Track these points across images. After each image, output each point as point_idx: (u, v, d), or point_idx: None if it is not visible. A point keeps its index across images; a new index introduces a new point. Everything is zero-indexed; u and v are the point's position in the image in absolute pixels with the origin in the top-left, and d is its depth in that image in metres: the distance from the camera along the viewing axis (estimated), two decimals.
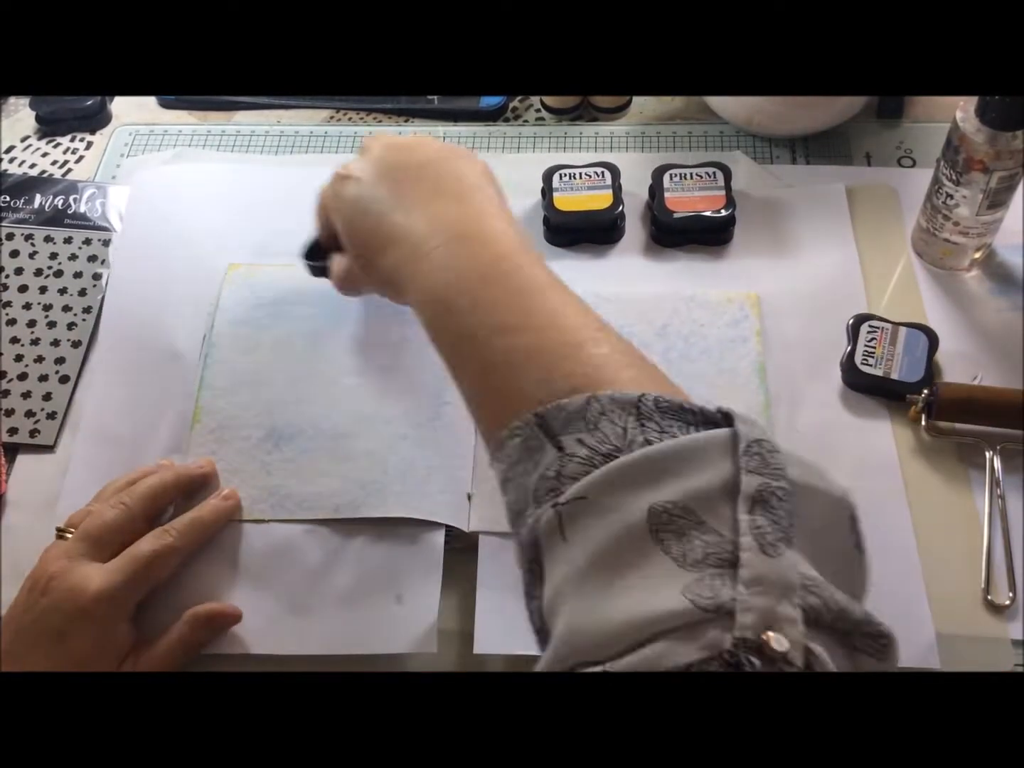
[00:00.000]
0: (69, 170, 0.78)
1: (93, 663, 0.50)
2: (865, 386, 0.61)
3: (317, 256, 0.60)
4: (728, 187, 0.69)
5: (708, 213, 0.68)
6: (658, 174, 0.70)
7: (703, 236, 0.69)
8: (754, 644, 0.30)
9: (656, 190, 0.70)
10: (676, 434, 0.36)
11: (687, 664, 0.30)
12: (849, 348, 0.62)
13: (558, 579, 0.36)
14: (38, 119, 0.81)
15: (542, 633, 0.38)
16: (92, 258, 0.71)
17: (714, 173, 0.70)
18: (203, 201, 0.73)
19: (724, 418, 0.37)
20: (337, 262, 0.58)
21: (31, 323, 0.68)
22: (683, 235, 0.69)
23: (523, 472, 0.39)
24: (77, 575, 0.50)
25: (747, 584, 0.31)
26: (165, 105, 0.82)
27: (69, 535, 0.53)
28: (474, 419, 0.45)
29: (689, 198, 0.69)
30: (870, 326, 0.63)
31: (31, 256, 0.71)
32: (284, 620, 0.54)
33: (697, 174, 0.70)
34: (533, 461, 0.38)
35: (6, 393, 0.64)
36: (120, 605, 0.51)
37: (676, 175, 0.70)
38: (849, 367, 0.61)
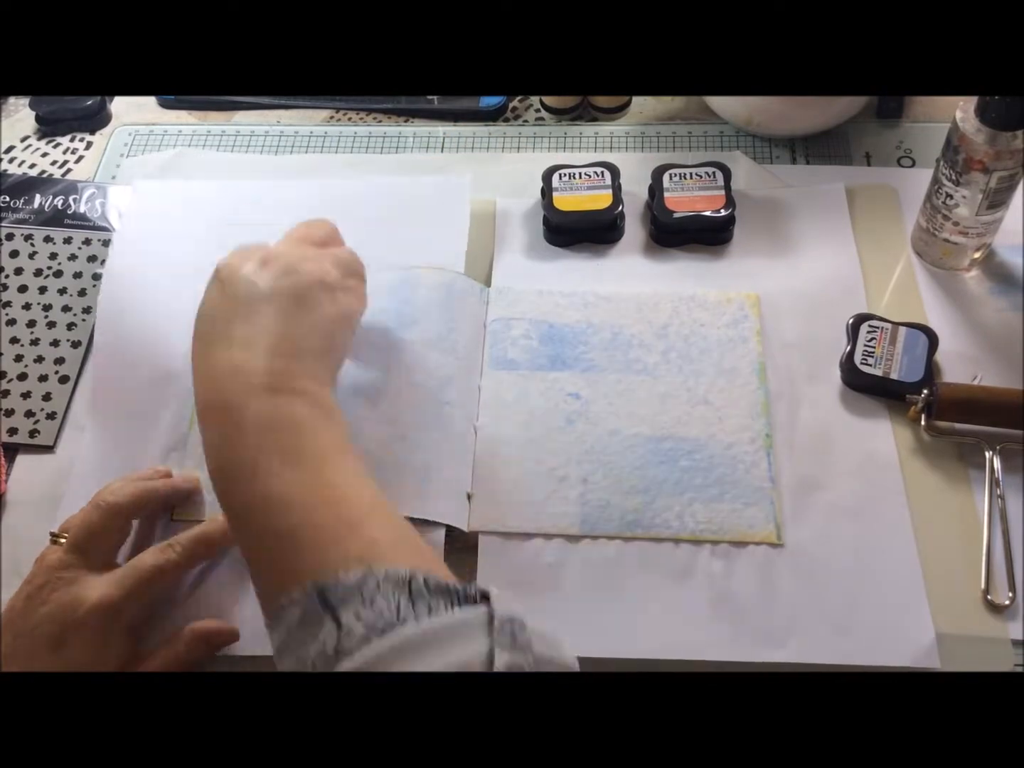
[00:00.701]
0: (69, 170, 0.78)
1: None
2: (865, 386, 0.61)
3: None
4: (728, 187, 0.69)
5: (708, 213, 0.68)
6: (658, 174, 0.70)
7: (703, 236, 0.69)
8: None
9: (656, 190, 0.70)
10: (442, 611, 0.39)
11: None
12: (849, 348, 0.62)
13: None
14: (38, 119, 0.81)
15: None
16: (92, 258, 0.71)
17: (714, 173, 0.70)
18: (203, 207, 0.73)
19: (482, 597, 0.40)
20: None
21: (31, 323, 0.68)
22: (683, 235, 0.69)
23: (300, 642, 0.40)
24: (76, 586, 0.50)
25: None
26: (165, 105, 0.82)
27: (63, 540, 0.53)
28: (253, 583, 0.45)
29: (689, 198, 0.69)
30: (870, 326, 0.63)
31: (31, 256, 0.71)
32: None
33: (697, 174, 0.70)
34: (311, 633, 0.40)
35: (6, 393, 0.64)
36: (118, 617, 0.50)
37: (676, 175, 0.70)
38: (849, 367, 0.61)
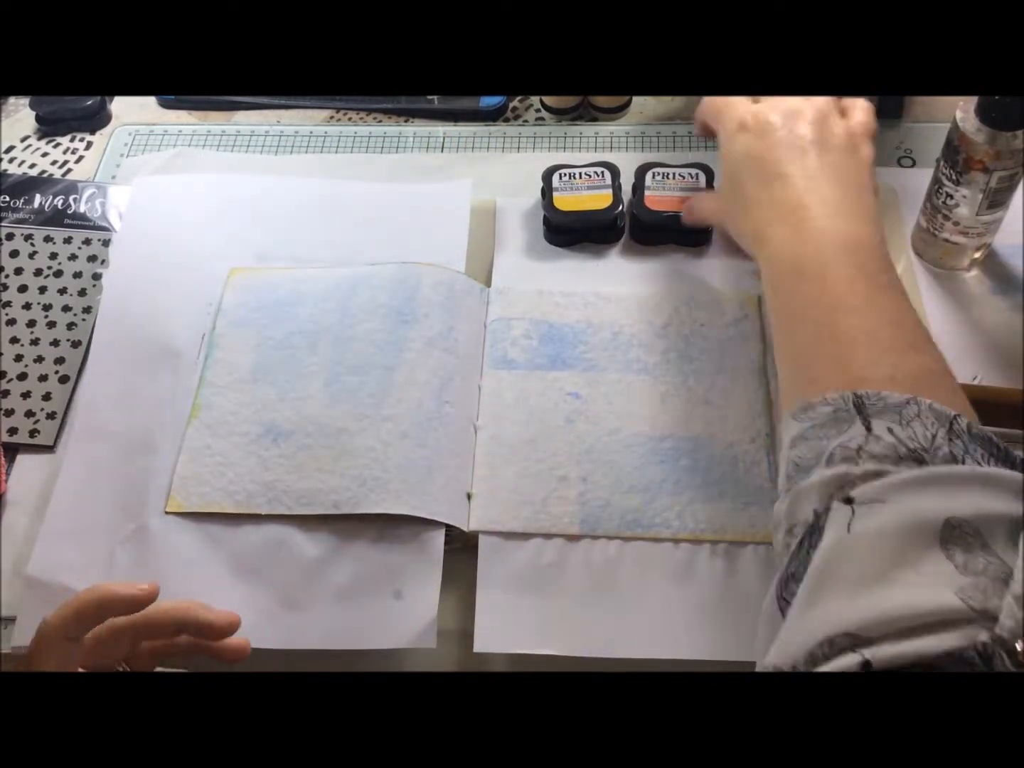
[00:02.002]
0: (69, 170, 0.78)
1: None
2: None
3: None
4: (711, 187, 0.69)
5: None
6: (640, 172, 0.70)
7: (680, 236, 0.69)
8: (1009, 645, 0.32)
9: (638, 188, 0.70)
10: (979, 460, 0.39)
11: (946, 652, 0.32)
12: None
13: (822, 563, 0.38)
14: (38, 119, 0.81)
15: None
16: (92, 258, 0.71)
17: (696, 174, 0.70)
18: (203, 205, 0.73)
19: (1022, 464, 0.40)
20: (707, 198, 0.65)
21: (31, 323, 0.68)
22: (661, 234, 0.69)
23: (823, 436, 0.43)
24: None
25: (1016, 598, 0.33)
26: (165, 105, 0.82)
27: None
28: (782, 375, 0.50)
29: (670, 197, 0.69)
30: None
31: (31, 256, 0.71)
32: (280, 615, 0.54)
33: (680, 174, 0.70)
34: (837, 429, 0.42)
35: (6, 393, 0.64)
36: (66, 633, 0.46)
37: (659, 174, 0.70)
38: None
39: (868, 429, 0.41)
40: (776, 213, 0.54)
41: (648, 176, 0.70)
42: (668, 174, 0.70)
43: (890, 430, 0.40)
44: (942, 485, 0.38)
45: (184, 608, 0.49)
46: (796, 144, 0.55)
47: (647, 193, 0.69)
